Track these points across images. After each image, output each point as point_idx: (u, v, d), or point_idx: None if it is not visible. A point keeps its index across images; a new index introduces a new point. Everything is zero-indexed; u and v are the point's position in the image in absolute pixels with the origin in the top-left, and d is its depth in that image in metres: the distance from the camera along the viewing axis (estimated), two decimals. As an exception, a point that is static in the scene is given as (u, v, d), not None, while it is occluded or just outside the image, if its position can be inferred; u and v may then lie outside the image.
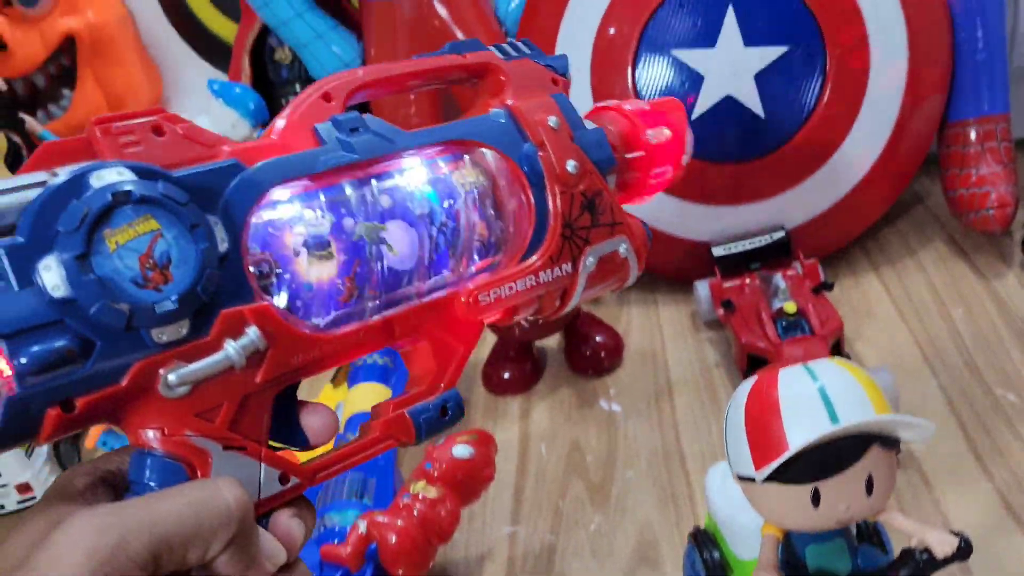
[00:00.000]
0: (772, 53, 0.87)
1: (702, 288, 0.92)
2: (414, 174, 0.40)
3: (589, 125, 0.45)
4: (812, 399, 0.49)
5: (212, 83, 0.82)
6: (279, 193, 0.35)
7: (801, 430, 0.48)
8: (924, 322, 0.88)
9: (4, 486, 0.85)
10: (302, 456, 0.37)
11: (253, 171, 0.34)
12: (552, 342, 0.94)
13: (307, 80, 1.04)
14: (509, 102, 0.42)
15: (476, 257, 0.42)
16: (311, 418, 0.36)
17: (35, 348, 0.28)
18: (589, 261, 0.43)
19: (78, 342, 0.29)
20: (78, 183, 0.29)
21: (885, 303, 0.92)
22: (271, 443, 0.35)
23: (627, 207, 0.46)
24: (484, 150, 0.41)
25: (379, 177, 0.38)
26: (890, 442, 0.49)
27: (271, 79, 1.05)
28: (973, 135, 0.91)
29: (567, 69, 0.46)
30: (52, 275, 0.28)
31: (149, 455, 0.32)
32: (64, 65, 1.11)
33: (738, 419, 0.51)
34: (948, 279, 0.93)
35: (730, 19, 0.87)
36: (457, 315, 0.39)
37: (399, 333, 0.38)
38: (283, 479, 0.34)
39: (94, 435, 0.79)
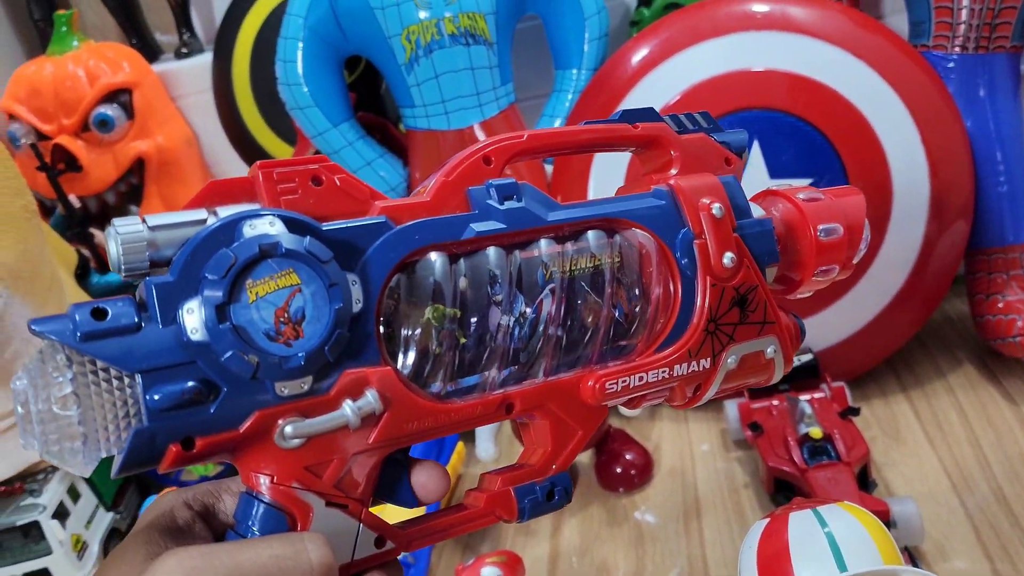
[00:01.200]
0: (796, 185, 0.91)
1: (731, 408, 0.94)
2: (555, 249, 0.38)
3: (756, 212, 0.43)
4: (820, 545, 0.50)
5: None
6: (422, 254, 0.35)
7: (810, 575, 0.49)
8: (952, 448, 0.88)
9: (55, 588, 0.88)
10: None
11: (398, 232, 0.34)
12: (584, 457, 0.97)
13: (356, 200, 1.10)
14: (672, 182, 0.40)
15: (610, 340, 0.40)
16: (422, 476, 0.36)
17: (167, 387, 0.29)
18: (731, 359, 0.40)
19: (206, 385, 0.30)
20: (231, 229, 0.30)
21: (914, 427, 0.93)
22: (381, 500, 0.35)
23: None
24: (638, 231, 0.39)
25: (523, 247, 0.37)
26: (898, 588, 0.51)
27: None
28: (998, 264, 0.93)
29: (744, 148, 0.44)
30: (193, 318, 0.30)
31: (256, 499, 0.32)
32: (133, 183, 1.19)
33: (751, 560, 0.53)
34: (977, 403, 0.94)
35: (756, 153, 0.92)
36: (582, 398, 0.38)
37: (519, 409, 0.37)
38: (379, 542, 0.34)
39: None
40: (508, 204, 0.36)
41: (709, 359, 0.40)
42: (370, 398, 0.32)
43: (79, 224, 1.14)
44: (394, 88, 1.01)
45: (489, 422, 0.37)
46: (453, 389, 0.36)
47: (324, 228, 0.32)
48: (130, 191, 1.20)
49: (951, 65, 0.97)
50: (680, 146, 0.41)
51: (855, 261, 0.45)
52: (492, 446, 0.89)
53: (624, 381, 0.38)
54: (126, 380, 0.29)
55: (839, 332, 0.95)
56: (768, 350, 0.41)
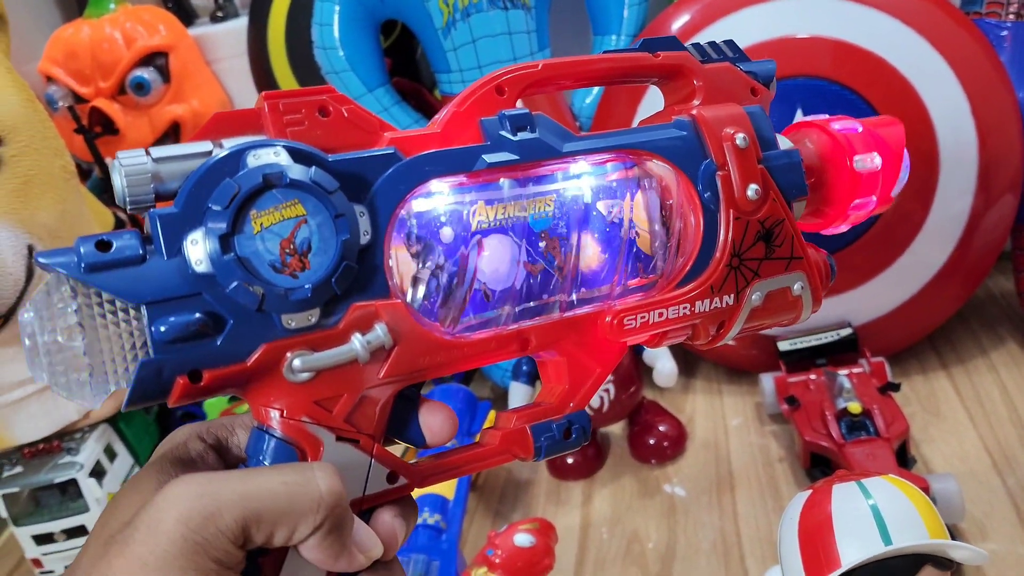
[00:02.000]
0: (840, 155, 0.89)
1: (767, 381, 0.92)
2: (577, 180, 0.37)
3: (784, 143, 0.41)
4: (865, 517, 0.50)
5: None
6: (434, 186, 0.34)
7: (853, 548, 0.49)
8: (993, 426, 0.87)
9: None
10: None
11: (407, 163, 0.33)
12: (616, 428, 0.96)
13: (390, 167, 1.10)
14: (695, 112, 0.38)
15: (631, 272, 0.39)
16: (430, 417, 0.35)
17: (173, 318, 0.29)
18: (755, 296, 0.39)
19: (212, 318, 0.29)
20: (235, 160, 0.30)
21: (954, 404, 0.91)
22: (390, 436, 0.35)
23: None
24: (658, 162, 0.38)
25: (538, 180, 0.36)
26: (943, 563, 0.50)
27: (357, 165, 1.11)
28: (1045, 238, 0.91)
29: (772, 78, 0.42)
30: (198, 249, 0.29)
31: (267, 433, 0.32)
32: (168, 147, 1.19)
33: (792, 532, 0.52)
34: (1021, 381, 0.92)
35: (799, 118, 0.89)
36: (599, 335, 0.37)
37: (534, 345, 0.36)
38: (391, 477, 0.34)
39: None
40: (521, 135, 0.35)
41: (733, 295, 0.38)
42: (379, 332, 0.32)
43: (115, 187, 1.14)
44: (430, 53, 1.00)
45: (503, 358, 0.36)
46: (466, 324, 0.36)
47: (331, 159, 0.32)
48: (165, 155, 1.20)
49: (1004, 33, 0.94)
50: (704, 76, 0.40)
51: (894, 194, 0.43)
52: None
53: (643, 316, 0.37)
54: (131, 312, 0.29)
55: (880, 306, 0.93)
56: (795, 286, 0.40)
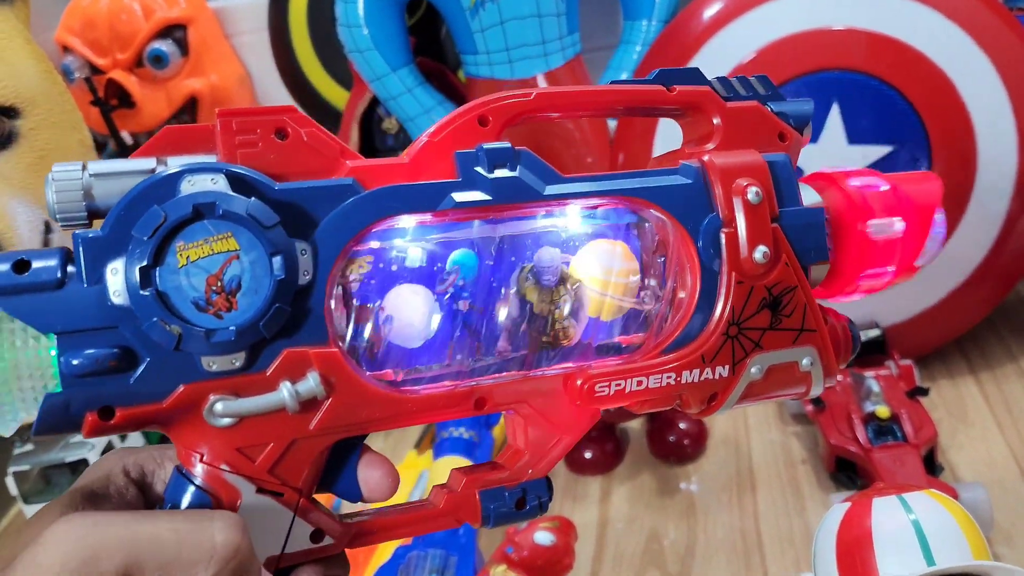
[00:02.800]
0: (876, 152, 0.87)
1: (791, 381, 0.91)
2: (557, 228, 0.34)
3: (810, 197, 0.37)
4: (906, 534, 0.48)
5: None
6: (399, 222, 0.31)
7: (894, 566, 0.47)
8: (1022, 434, 0.85)
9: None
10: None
11: (364, 197, 0.30)
12: (635, 424, 0.95)
13: (411, 149, 1.08)
14: (706, 158, 0.35)
15: (613, 331, 0.35)
16: (370, 471, 0.33)
17: (84, 352, 0.27)
18: (754, 369, 0.35)
19: (127, 354, 0.28)
20: (170, 184, 0.28)
21: (982, 410, 0.89)
22: (323, 489, 0.33)
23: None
24: (656, 212, 0.34)
25: (509, 222, 0.34)
26: (985, 584, 0.48)
27: (376, 146, 1.09)
28: (1083, 243, 0.89)
29: (808, 121, 0.38)
30: (117, 279, 0.27)
31: (185, 478, 0.30)
32: (186, 122, 1.17)
33: (828, 545, 0.50)
34: (1051, 389, 0.90)
35: (834, 116, 0.87)
36: (567, 400, 0.34)
37: (491, 405, 0.33)
38: (316, 536, 0.32)
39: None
40: (499, 172, 0.32)
41: (728, 367, 0.34)
42: (311, 382, 0.30)
43: (131, 161, 1.12)
44: (456, 33, 0.98)
45: (457, 416, 0.33)
46: (413, 377, 0.33)
47: (278, 188, 0.29)
48: (182, 130, 1.18)
49: (1049, 31, 0.91)
50: (725, 114, 0.36)
51: (920, 263, 0.38)
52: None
53: (619, 384, 0.33)
54: (43, 341, 0.27)
55: (909, 308, 0.91)
56: (804, 361, 0.36)
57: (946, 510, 0.49)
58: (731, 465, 0.88)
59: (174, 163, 0.29)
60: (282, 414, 0.30)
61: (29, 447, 0.87)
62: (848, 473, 0.81)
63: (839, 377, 0.37)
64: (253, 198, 0.28)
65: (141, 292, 0.27)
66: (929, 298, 0.91)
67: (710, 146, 0.36)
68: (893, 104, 0.87)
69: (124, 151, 1.12)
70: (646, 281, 0.35)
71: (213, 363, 0.29)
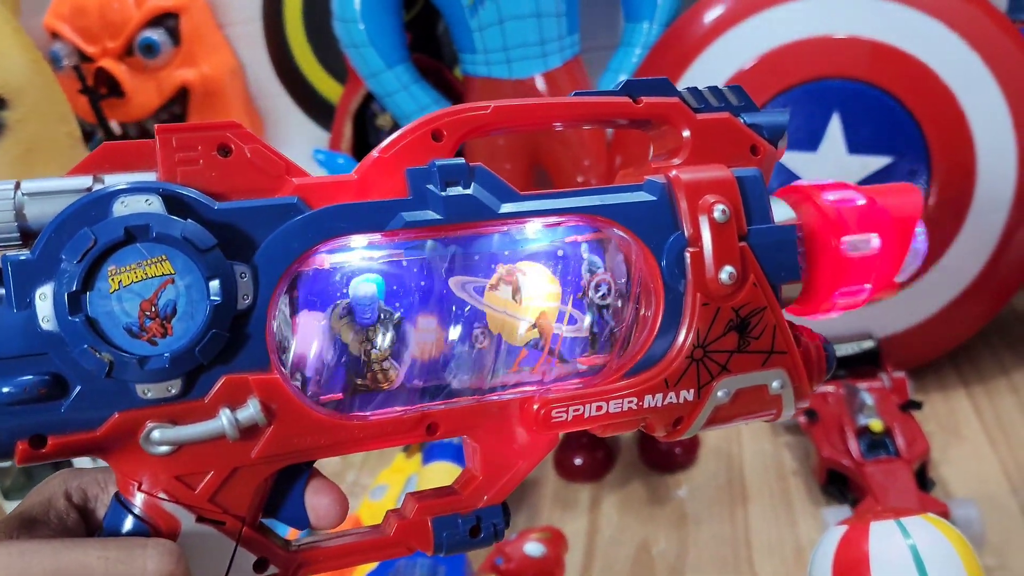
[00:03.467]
0: (875, 163, 0.86)
1: (784, 391, 0.90)
2: (516, 244, 0.33)
3: (784, 213, 0.36)
4: (904, 560, 0.47)
5: (317, 152, 0.84)
6: (342, 242, 0.30)
7: (891, 592, 0.46)
8: (1014, 450, 0.85)
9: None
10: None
11: (308, 217, 0.29)
12: (627, 433, 0.94)
13: (405, 146, 1.06)
14: (673, 173, 0.33)
15: (572, 351, 0.34)
16: (318, 498, 0.32)
17: (13, 379, 0.26)
18: (721, 393, 0.34)
19: (58, 381, 0.27)
20: (103, 204, 0.27)
21: (974, 425, 0.89)
22: (268, 515, 0.32)
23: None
24: (619, 231, 0.33)
25: (467, 243, 0.32)
26: (982, 611, 0.48)
27: (370, 142, 1.08)
28: (1079, 260, 0.88)
29: (782, 133, 0.36)
30: (46, 305, 0.26)
31: (122, 507, 0.29)
32: (176, 113, 1.15)
33: (825, 568, 0.49)
34: (1043, 404, 0.90)
35: (835, 125, 0.86)
36: (523, 425, 0.33)
37: (443, 431, 0.32)
38: (260, 565, 0.31)
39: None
40: (451, 190, 0.31)
41: (693, 391, 0.33)
42: (251, 409, 0.29)
43: (119, 152, 1.10)
44: (454, 31, 0.96)
45: (405, 442, 0.32)
46: (358, 403, 0.32)
47: (218, 207, 0.28)
48: (172, 120, 1.16)
49: (1051, 44, 0.90)
50: (695, 127, 0.34)
51: (901, 279, 0.37)
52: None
53: (576, 409, 0.32)
54: None
55: (904, 320, 0.91)
56: (773, 384, 0.34)
57: (944, 536, 0.48)
58: (722, 476, 0.87)
59: (111, 181, 0.28)
60: (222, 442, 0.29)
61: (10, 443, 0.85)
62: (839, 486, 0.80)
63: (807, 403, 0.36)
64: (189, 220, 0.27)
65: (70, 318, 0.26)
66: (925, 310, 0.91)
67: (677, 160, 0.35)
68: (894, 115, 0.86)
69: (112, 141, 1.10)
70: (615, 301, 0.34)
71: (148, 390, 0.28)
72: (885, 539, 0.48)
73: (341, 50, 0.98)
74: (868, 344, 0.90)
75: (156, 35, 1.10)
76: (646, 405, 0.33)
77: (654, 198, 0.33)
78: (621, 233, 0.33)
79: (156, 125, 0.29)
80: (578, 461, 0.89)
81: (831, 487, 0.81)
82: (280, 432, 0.30)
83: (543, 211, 0.32)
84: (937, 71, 0.86)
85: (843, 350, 0.90)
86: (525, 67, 0.94)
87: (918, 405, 0.83)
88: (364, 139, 1.08)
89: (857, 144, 0.86)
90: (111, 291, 0.27)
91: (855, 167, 0.86)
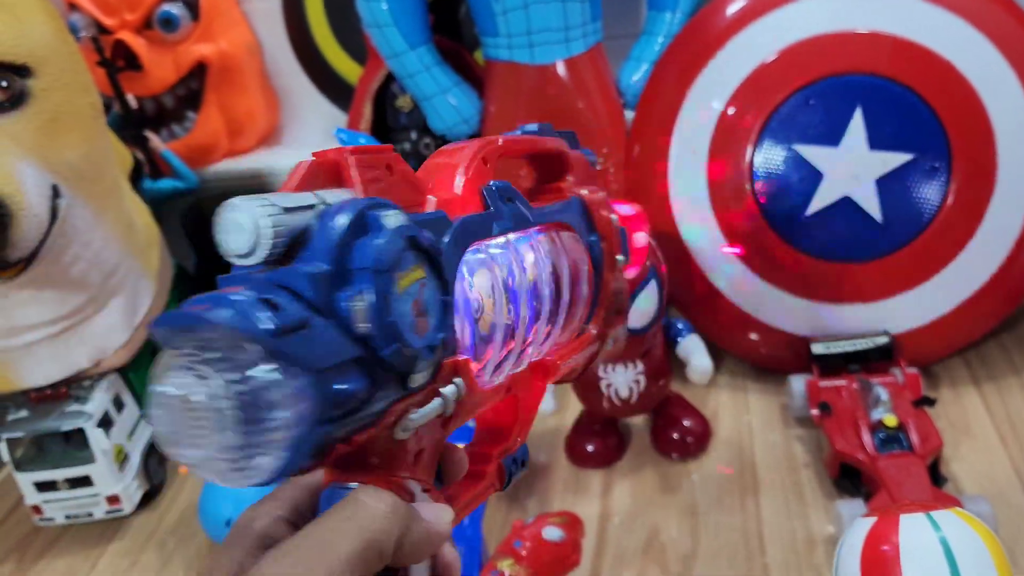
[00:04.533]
0: (896, 159, 0.86)
1: (797, 384, 0.90)
2: (531, 245, 0.42)
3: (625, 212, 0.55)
4: (934, 552, 0.48)
5: (340, 131, 0.84)
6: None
7: (921, 585, 0.47)
8: (1024, 448, 0.85)
9: (95, 495, 0.87)
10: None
11: (463, 226, 0.34)
12: (639, 420, 0.94)
13: (423, 128, 1.06)
14: (583, 192, 0.46)
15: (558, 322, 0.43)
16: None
17: (343, 385, 0.28)
18: (610, 342, 0.47)
19: (372, 383, 0.29)
20: (374, 221, 0.29)
21: (984, 422, 0.89)
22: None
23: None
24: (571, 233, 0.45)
25: (517, 244, 0.40)
26: (1009, 606, 0.48)
27: (389, 123, 1.07)
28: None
29: (595, 164, 0.50)
30: (361, 311, 0.28)
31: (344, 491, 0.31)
32: (192, 88, 1.14)
33: (852, 561, 0.50)
34: (1052, 403, 0.91)
35: (857, 121, 0.87)
36: (545, 376, 0.42)
37: (512, 391, 0.39)
38: None
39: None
40: (508, 206, 0.39)
41: (601, 343, 0.47)
42: (458, 385, 0.33)
43: (135, 125, 1.10)
44: (477, 14, 0.96)
45: (494, 406, 0.39)
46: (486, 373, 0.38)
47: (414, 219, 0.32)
48: (188, 96, 1.15)
49: (1074, 46, 0.90)
50: (573, 161, 0.47)
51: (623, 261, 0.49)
52: (551, 398, 0.86)
53: (569, 361, 0.44)
54: (296, 380, 0.26)
55: (919, 316, 0.91)
56: (620, 335, 0.49)
57: (974, 530, 0.49)
58: (734, 466, 0.88)
59: (326, 196, 0.30)
60: (436, 419, 0.33)
61: (23, 413, 0.85)
62: (852, 480, 0.81)
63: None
64: (423, 230, 0.31)
65: (384, 319, 0.28)
66: (938, 309, 0.91)
67: (571, 178, 0.46)
68: (916, 111, 0.87)
69: (129, 114, 1.09)
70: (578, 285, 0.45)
71: (416, 379, 0.31)
72: (915, 532, 0.49)
73: (361, 29, 0.98)
74: (883, 340, 0.90)
75: (175, 9, 1.09)
76: (589, 353, 0.46)
77: (581, 211, 0.46)
78: (572, 235, 0.44)
79: (342, 147, 0.32)
80: (590, 448, 0.89)
81: (843, 480, 0.82)
82: (464, 404, 0.34)
83: (546, 219, 0.42)
84: (960, 69, 0.87)
85: (857, 344, 0.91)
86: (548, 52, 0.94)
87: (932, 401, 0.84)
88: (383, 120, 1.07)
89: (879, 140, 0.86)
90: (399, 294, 0.29)
91: (876, 163, 0.86)
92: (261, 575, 0.27)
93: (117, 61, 1.06)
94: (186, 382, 0.25)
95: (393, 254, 0.29)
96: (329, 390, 0.27)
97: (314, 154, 0.32)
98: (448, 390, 0.33)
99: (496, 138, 0.40)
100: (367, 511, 0.30)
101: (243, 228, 0.27)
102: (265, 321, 0.25)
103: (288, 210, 0.28)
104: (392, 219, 0.30)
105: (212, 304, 0.26)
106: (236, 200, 0.28)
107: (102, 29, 1.08)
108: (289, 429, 0.26)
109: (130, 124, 1.09)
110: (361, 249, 0.28)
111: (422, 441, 0.33)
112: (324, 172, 0.31)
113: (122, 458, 0.89)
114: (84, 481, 0.86)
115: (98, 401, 0.86)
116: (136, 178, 1.07)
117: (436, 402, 0.32)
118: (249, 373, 0.25)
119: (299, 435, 0.26)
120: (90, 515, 0.88)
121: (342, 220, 0.28)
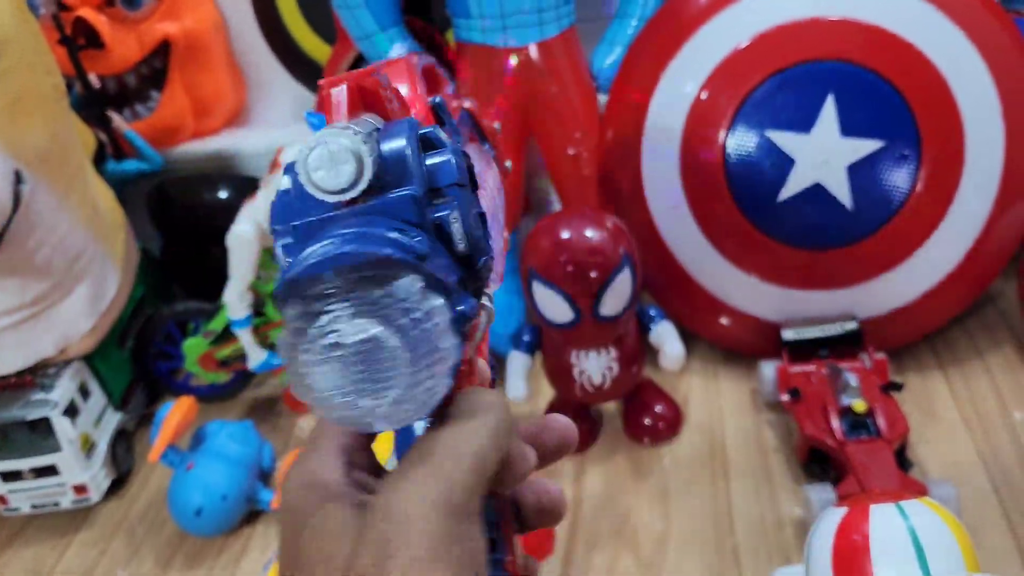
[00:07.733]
0: (867, 146, 0.87)
1: (768, 369, 0.91)
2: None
3: None
4: (903, 542, 0.49)
5: (310, 115, 0.82)
6: None
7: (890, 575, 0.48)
8: (988, 431, 0.87)
9: (62, 485, 0.86)
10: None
11: (454, 139, 0.35)
12: (611, 406, 0.95)
13: (394, 111, 1.05)
14: (467, 103, 0.44)
15: None
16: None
17: (460, 307, 0.27)
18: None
19: (476, 300, 0.29)
20: (436, 139, 0.29)
21: (949, 406, 0.91)
22: None
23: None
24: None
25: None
26: (974, 594, 0.49)
27: (358, 105, 1.06)
28: (1058, 248, 0.90)
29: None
30: (457, 228, 0.28)
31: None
32: (156, 67, 1.12)
33: (824, 550, 0.51)
34: (1015, 386, 0.92)
35: (829, 107, 0.87)
36: None
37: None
38: None
39: (157, 448, 0.80)
40: (449, 119, 0.39)
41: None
42: (487, 314, 0.33)
43: (97, 105, 1.07)
44: (449, -5, 0.94)
45: None
46: None
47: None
48: (152, 75, 1.12)
49: (1043, 35, 0.91)
50: (442, 76, 0.46)
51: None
52: (523, 384, 0.86)
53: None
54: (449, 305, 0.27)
55: (887, 302, 0.92)
56: None
57: (941, 519, 0.50)
58: (704, 451, 0.89)
59: (372, 120, 0.29)
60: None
61: (-13, 402, 0.84)
62: (821, 465, 0.82)
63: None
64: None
65: (475, 233, 0.28)
66: (907, 295, 0.92)
67: (449, 89, 0.45)
68: (887, 99, 0.87)
69: (91, 94, 1.07)
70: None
71: (490, 291, 0.32)
72: (886, 523, 0.49)
73: (330, 9, 0.96)
74: (851, 325, 0.91)
75: (138, -15, 1.07)
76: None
77: (471, 123, 0.45)
78: (477, 146, 0.43)
79: (377, 79, 0.31)
80: (563, 433, 0.89)
81: (812, 465, 0.83)
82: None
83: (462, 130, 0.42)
84: (930, 57, 0.87)
85: (827, 330, 0.92)
86: (521, 35, 0.93)
87: (899, 387, 0.85)
88: (352, 102, 1.05)
89: (850, 127, 0.87)
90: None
91: (847, 150, 0.87)
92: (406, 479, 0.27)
93: (78, 39, 1.04)
94: (360, 327, 0.25)
95: (465, 167, 0.29)
96: (455, 312, 0.27)
97: (338, 79, 0.31)
98: (487, 303, 0.32)
99: (380, 63, 0.38)
100: (488, 396, 0.29)
101: (347, 159, 0.26)
102: (421, 250, 0.26)
103: (369, 136, 0.27)
104: (441, 134, 0.29)
105: (359, 243, 0.25)
106: (324, 133, 0.26)
107: (62, 6, 1.05)
108: (451, 355, 0.26)
109: (92, 104, 1.06)
110: (442, 166, 0.28)
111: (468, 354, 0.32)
112: (361, 99, 0.31)
113: (89, 446, 0.87)
114: (50, 470, 0.84)
115: (64, 389, 0.85)
116: (99, 160, 1.05)
117: (484, 315, 0.32)
118: (424, 304, 0.25)
119: (457, 360, 0.26)
120: (57, 504, 0.87)
121: (412, 141, 0.28)
